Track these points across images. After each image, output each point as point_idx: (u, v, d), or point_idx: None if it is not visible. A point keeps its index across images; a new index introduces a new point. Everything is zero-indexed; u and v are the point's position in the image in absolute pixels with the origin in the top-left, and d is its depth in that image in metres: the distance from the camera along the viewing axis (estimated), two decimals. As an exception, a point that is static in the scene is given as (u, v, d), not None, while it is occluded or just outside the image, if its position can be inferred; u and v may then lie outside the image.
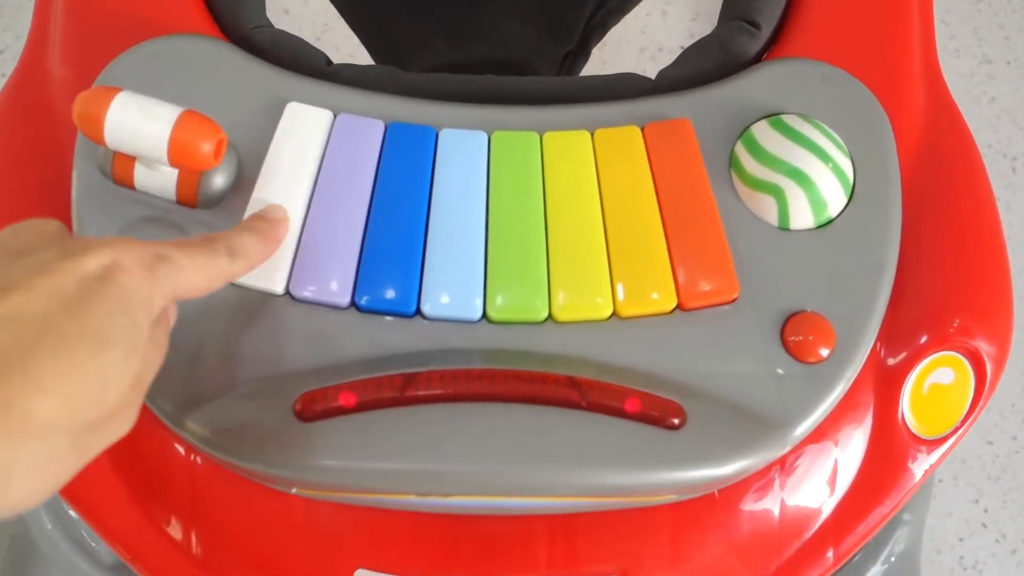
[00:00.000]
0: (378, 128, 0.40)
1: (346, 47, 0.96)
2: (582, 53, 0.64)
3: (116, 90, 0.36)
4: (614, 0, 0.63)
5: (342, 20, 0.70)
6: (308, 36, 1.00)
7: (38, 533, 0.73)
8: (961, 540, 0.86)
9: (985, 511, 0.87)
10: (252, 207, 0.38)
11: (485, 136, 0.40)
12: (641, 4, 0.65)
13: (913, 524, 0.77)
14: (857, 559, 0.77)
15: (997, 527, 0.87)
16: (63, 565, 0.73)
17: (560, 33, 0.62)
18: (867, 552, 0.77)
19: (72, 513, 0.72)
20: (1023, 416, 0.89)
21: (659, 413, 0.35)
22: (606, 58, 0.70)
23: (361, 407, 0.35)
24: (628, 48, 0.92)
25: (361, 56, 0.71)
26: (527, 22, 0.62)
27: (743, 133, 0.40)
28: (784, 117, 0.40)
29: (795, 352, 0.38)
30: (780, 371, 0.37)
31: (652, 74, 0.44)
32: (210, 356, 0.36)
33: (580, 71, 0.65)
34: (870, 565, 0.76)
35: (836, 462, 0.41)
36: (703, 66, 0.44)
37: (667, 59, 0.96)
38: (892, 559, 0.77)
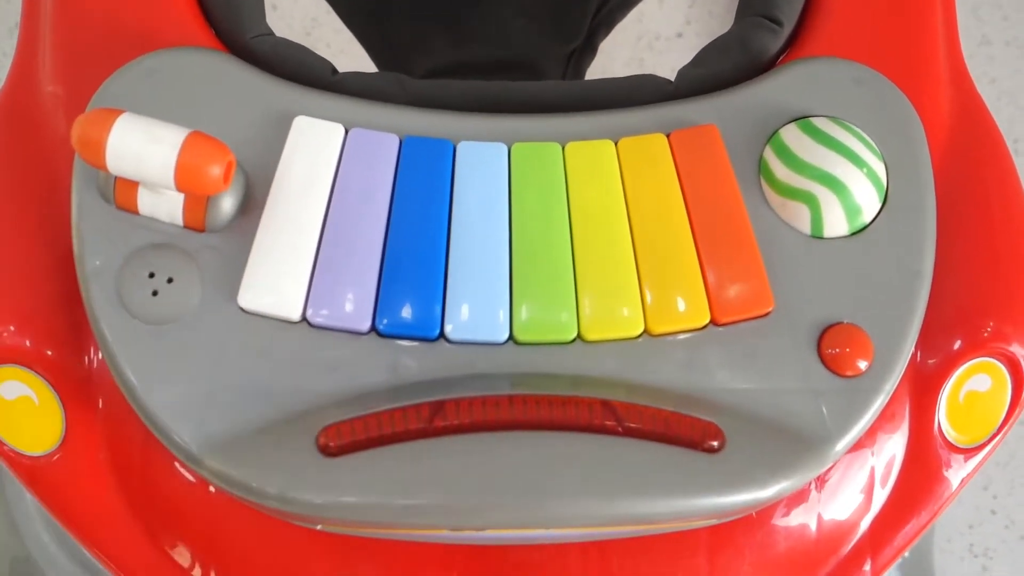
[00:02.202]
0: (393, 143, 0.38)
1: (336, 42, 0.93)
2: (588, 50, 0.63)
3: (117, 112, 0.34)
4: None
5: (331, 15, 0.68)
6: (297, 32, 0.98)
7: (39, 554, 0.72)
8: (971, 527, 0.87)
9: (994, 497, 0.87)
10: (263, 229, 0.36)
11: (505, 148, 0.38)
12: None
13: (927, 515, 0.77)
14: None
15: (1006, 513, 0.87)
16: (66, 586, 0.72)
17: (565, 30, 0.60)
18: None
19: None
20: (1030, 401, 0.89)
21: (698, 436, 0.34)
22: (603, 48, 0.69)
23: (387, 439, 0.33)
24: (625, 36, 0.90)
25: (354, 51, 0.69)
26: (531, 20, 0.60)
27: (772, 138, 0.39)
28: (814, 120, 0.39)
29: (832, 366, 0.36)
30: (818, 386, 0.36)
31: (651, 63, 0.43)
32: (227, 390, 0.34)
33: (587, 68, 0.63)
34: (884, 557, 0.76)
35: (872, 473, 0.40)
36: (724, 66, 0.42)
37: (664, 47, 0.94)
38: (906, 554, 0.76)
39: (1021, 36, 0.97)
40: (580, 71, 0.63)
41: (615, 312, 0.36)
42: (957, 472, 0.41)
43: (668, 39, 0.93)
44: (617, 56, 0.88)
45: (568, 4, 0.60)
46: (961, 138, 0.43)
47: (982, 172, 0.42)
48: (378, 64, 0.63)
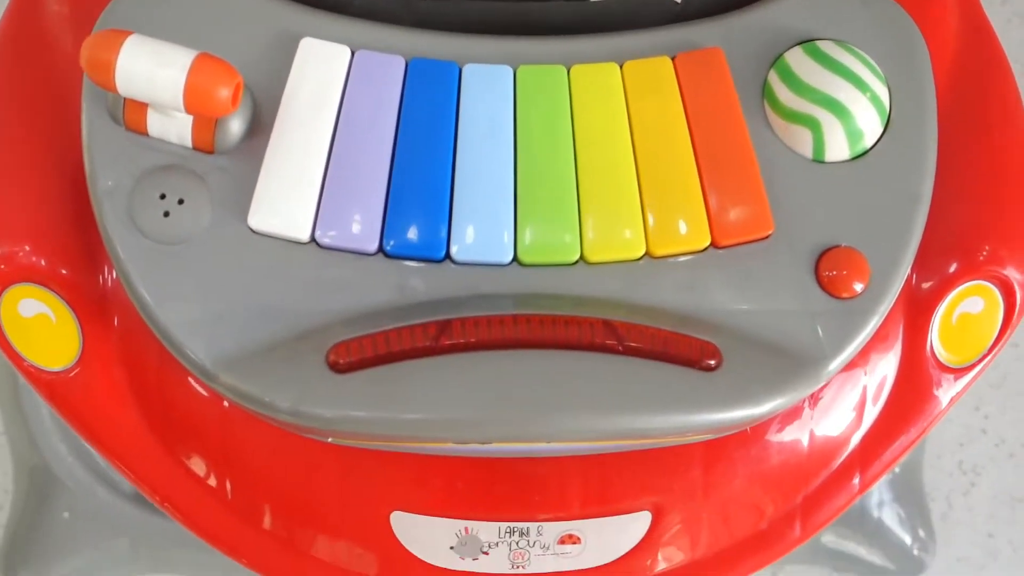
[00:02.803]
0: (399, 65, 0.38)
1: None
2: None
3: (125, 34, 0.34)
4: None
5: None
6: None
7: (57, 464, 0.74)
8: (961, 445, 0.89)
9: (985, 417, 0.89)
10: (272, 151, 0.37)
11: (510, 71, 0.38)
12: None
13: (918, 433, 0.79)
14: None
15: (997, 432, 0.89)
16: (83, 494, 0.75)
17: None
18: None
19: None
20: (1025, 323, 0.90)
21: (695, 355, 0.35)
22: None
23: (395, 357, 0.35)
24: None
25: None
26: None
27: (776, 61, 0.39)
28: (819, 43, 0.39)
29: (829, 287, 0.37)
30: (814, 307, 0.37)
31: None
32: (239, 309, 0.35)
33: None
34: (876, 473, 0.78)
35: (864, 391, 0.42)
36: None
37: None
38: (897, 467, 0.78)
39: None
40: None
41: (617, 234, 0.37)
42: (947, 391, 0.42)
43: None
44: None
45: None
46: (966, 61, 0.43)
47: (985, 97, 0.43)
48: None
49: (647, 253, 0.37)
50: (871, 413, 0.42)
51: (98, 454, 0.42)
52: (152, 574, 0.80)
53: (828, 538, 0.78)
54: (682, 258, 0.37)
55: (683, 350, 0.35)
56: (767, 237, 0.38)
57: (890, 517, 0.79)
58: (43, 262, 0.39)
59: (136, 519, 0.75)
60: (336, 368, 0.34)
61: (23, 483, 0.77)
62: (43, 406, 0.74)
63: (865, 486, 0.42)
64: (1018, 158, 0.42)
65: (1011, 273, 0.41)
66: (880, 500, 0.78)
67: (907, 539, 0.80)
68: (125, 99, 0.36)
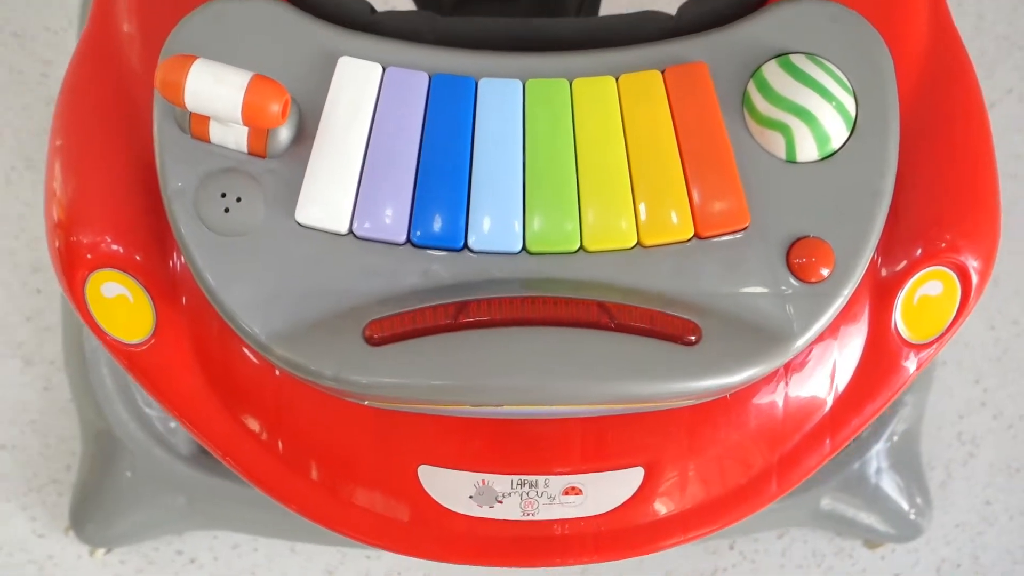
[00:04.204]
0: (423, 80, 0.44)
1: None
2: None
3: (192, 59, 0.40)
4: None
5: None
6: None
7: (119, 428, 0.81)
8: (961, 417, 0.93)
9: (985, 391, 0.93)
10: (315, 156, 0.43)
11: (520, 84, 0.44)
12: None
13: (914, 406, 0.84)
14: (864, 435, 0.85)
15: (995, 404, 0.93)
16: (143, 456, 0.82)
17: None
18: (873, 430, 0.84)
19: (147, 409, 0.80)
20: (1024, 301, 0.94)
21: (678, 332, 0.41)
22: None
23: (421, 332, 0.40)
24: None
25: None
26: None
27: (755, 73, 0.44)
28: (792, 57, 0.44)
29: (799, 273, 0.42)
30: (785, 290, 0.42)
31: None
32: (289, 291, 0.42)
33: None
34: (874, 443, 0.84)
35: (835, 364, 0.47)
36: (720, 3, 0.47)
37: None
38: (895, 437, 0.84)
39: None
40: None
41: (613, 226, 0.43)
42: (909, 364, 0.47)
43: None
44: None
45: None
46: (934, 68, 0.47)
47: (950, 104, 0.47)
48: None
49: (638, 243, 0.43)
50: (841, 383, 0.47)
51: (168, 415, 0.49)
52: (205, 529, 0.87)
53: (830, 503, 0.83)
54: (669, 247, 0.43)
55: (667, 327, 0.41)
56: (744, 229, 0.43)
57: (888, 484, 0.84)
58: (121, 250, 0.45)
59: (191, 478, 0.82)
60: (371, 342, 0.40)
61: (89, 446, 0.84)
62: (107, 376, 0.81)
63: (835, 448, 0.48)
64: (978, 156, 0.47)
65: (967, 260, 0.46)
66: (878, 468, 0.83)
67: (905, 505, 0.85)
68: (191, 112, 0.42)
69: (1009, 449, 0.92)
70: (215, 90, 0.40)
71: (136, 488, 0.82)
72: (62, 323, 0.85)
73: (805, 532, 0.90)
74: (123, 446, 0.81)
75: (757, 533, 0.89)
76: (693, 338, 0.41)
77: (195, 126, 0.43)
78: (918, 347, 0.47)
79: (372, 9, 0.47)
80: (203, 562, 0.88)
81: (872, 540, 0.89)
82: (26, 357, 0.91)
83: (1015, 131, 0.96)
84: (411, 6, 0.69)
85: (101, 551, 0.88)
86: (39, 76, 0.96)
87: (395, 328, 0.40)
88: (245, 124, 0.41)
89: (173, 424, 0.82)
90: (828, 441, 0.47)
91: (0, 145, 0.95)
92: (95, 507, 0.83)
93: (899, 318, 0.47)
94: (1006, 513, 0.92)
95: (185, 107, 0.41)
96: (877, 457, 0.82)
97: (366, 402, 0.44)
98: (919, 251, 0.46)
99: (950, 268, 0.46)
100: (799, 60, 0.44)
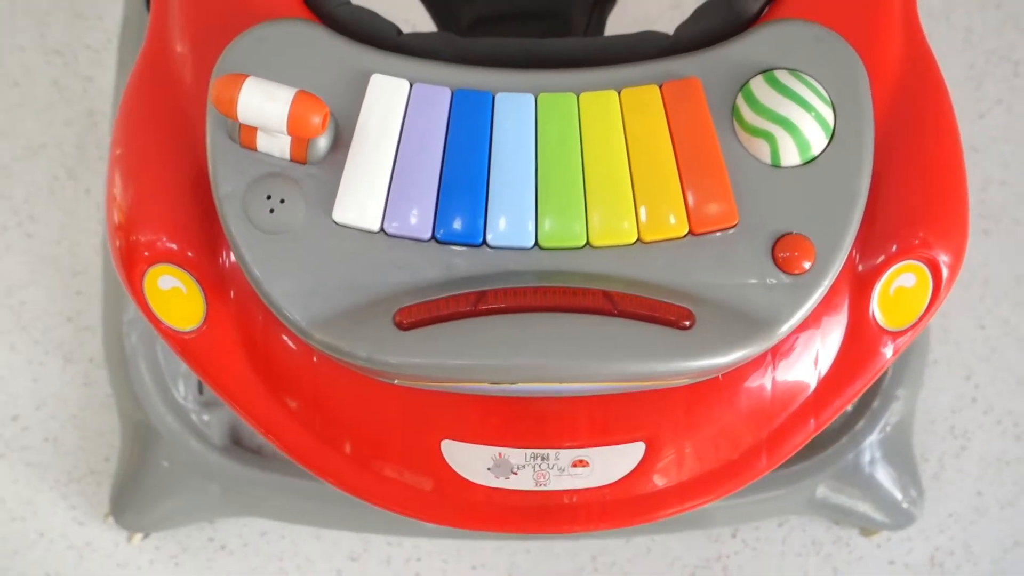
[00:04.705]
0: (446, 94, 0.49)
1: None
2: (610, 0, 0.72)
3: (243, 77, 0.45)
4: None
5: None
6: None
7: (156, 419, 0.87)
8: (953, 412, 0.97)
9: (976, 387, 0.97)
10: (351, 162, 0.48)
11: (532, 98, 0.49)
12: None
13: (906, 400, 0.88)
14: (859, 428, 0.89)
15: (986, 400, 0.97)
16: (179, 447, 0.87)
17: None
18: (867, 422, 0.89)
19: (182, 401, 0.86)
20: (1014, 302, 0.98)
21: (674, 318, 0.45)
22: None
23: (445, 318, 0.45)
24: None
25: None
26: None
27: (743, 87, 0.49)
28: (776, 73, 0.49)
29: (783, 266, 0.47)
30: (771, 281, 0.47)
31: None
32: (328, 282, 0.47)
33: (609, 14, 0.73)
34: (868, 434, 0.88)
35: (818, 350, 0.51)
36: (713, 23, 0.51)
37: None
38: (888, 428, 0.88)
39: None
40: (603, 16, 0.72)
41: (616, 224, 0.47)
42: (886, 351, 0.52)
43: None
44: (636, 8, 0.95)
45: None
46: (908, 83, 0.52)
47: (922, 114, 0.52)
48: (431, 12, 0.73)
49: (639, 239, 0.48)
50: (824, 368, 0.52)
51: (215, 397, 0.54)
52: (236, 516, 0.92)
53: (827, 492, 0.87)
54: (666, 243, 0.47)
55: (664, 313, 0.45)
56: (733, 226, 0.48)
57: (882, 474, 0.88)
58: (176, 248, 0.49)
59: (224, 467, 0.87)
60: (401, 327, 0.45)
61: (128, 437, 0.89)
62: (145, 372, 0.86)
63: (819, 427, 0.52)
64: (948, 160, 0.52)
65: (938, 255, 0.50)
66: (872, 458, 0.87)
67: (898, 494, 0.89)
68: (241, 124, 0.48)
69: (999, 443, 0.96)
70: (264, 105, 0.45)
71: (172, 477, 0.86)
72: (102, 322, 0.90)
73: (804, 521, 0.94)
74: (160, 437, 0.86)
75: (758, 521, 0.93)
76: (687, 323, 0.45)
77: (244, 136, 0.48)
78: (894, 334, 0.51)
79: (399, 31, 0.52)
80: (233, 548, 0.93)
81: (867, 528, 0.93)
82: (67, 355, 0.97)
83: (1003, 141, 1.00)
84: (432, 27, 0.75)
85: (138, 536, 0.92)
86: (80, 92, 1.02)
87: (422, 314, 0.45)
88: (289, 134, 0.46)
89: (207, 417, 0.87)
90: (812, 420, 0.52)
91: (44, 157, 1.00)
92: (133, 494, 0.88)
93: (876, 308, 0.51)
94: (996, 503, 0.96)
95: (236, 119, 0.46)
96: (871, 448, 0.87)
97: (396, 381, 0.49)
98: (894, 247, 0.50)
99: (923, 262, 0.50)
100: (783, 75, 0.49)
